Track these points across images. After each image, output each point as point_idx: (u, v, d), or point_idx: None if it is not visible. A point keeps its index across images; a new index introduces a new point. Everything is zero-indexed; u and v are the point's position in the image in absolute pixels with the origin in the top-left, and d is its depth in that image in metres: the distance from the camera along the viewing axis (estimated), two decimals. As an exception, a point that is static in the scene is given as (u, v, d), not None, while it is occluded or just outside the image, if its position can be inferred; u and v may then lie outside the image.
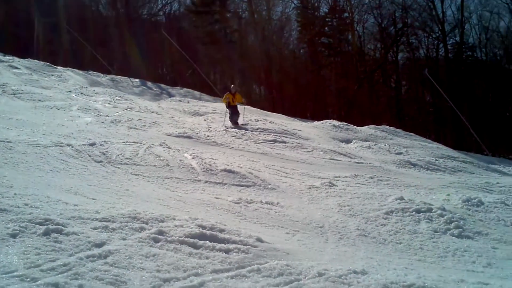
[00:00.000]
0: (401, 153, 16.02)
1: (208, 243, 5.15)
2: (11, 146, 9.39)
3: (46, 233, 4.63)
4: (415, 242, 7.10)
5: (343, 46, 46.53)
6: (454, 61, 43.29)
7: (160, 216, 5.75)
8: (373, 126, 20.80)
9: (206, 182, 9.34)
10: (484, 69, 43.57)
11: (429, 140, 22.30)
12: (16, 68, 24.70)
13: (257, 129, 16.98)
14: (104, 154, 10.16)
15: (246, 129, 16.54)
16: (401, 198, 8.98)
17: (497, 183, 12.65)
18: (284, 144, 14.94)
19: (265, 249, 5.37)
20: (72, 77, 26.93)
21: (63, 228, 4.81)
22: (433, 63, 43.94)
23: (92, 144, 10.69)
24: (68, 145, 10.38)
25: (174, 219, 5.77)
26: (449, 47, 43.69)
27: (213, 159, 11.05)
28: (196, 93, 32.03)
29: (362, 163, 13.72)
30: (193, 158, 10.77)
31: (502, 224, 8.56)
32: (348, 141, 17.50)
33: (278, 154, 13.49)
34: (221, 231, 5.64)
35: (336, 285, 4.61)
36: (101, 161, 9.69)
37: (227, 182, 9.49)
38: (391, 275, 5.23)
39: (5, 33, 38.08)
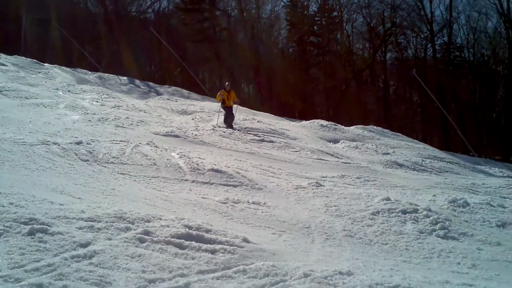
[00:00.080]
0: (388, 154, 16.10)
1: (194, 243, 5.14)
2: (-3, 144, 9.32)
3: (31, 233, 4.59)
4: (400, 243, 7.13)
5: (331, 45, 46.66)
6: (442, 61, 43.57)
7: (146, 216, 5.73)
8: (360, 126, 20.91)
9: (193, 181, 9.31)
10: (472, 69, 43.87)
11: (416, 140, 22.48)
12: (3, 64, 24.52)
13: (245, 128, 16.99)
14: (91, 152, 10.10)
15: (234, 129, 16.53)
16: (388, 199, 9.01)
17: (483, 184, 12.76)
18: (271, 143, 14.95)
19: (251, 250, 5.37)
20: (60, 74, 26.78)
21: (48, 227, 4.77)
22: (421, 63, 44.24)
23: (79, 143, 10.62)
24: (55, 143, 10.31)
25: (160, 219, 5.75)
26: (437, 47, 44.12)
27: (200, 158, 11.03)
28: (185, 91, 31.92)
29: (349, 163, 13.77)
30: (180, 157, 10.74)
31: (487, 225, 8.63)
32: (335, 141, 17.56)
33: (265, 153, 13.50)
34: (208, 231, 5.63)
35: (322, 286, 4.61)
36: (87, 160, 9.64)
37: (214, 181, 9.47)
38: (376, 276, 5.25)
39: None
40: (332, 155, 14.68)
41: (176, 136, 13.92)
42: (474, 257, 6.82)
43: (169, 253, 4.83)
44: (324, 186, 10.15)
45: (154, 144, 11.86)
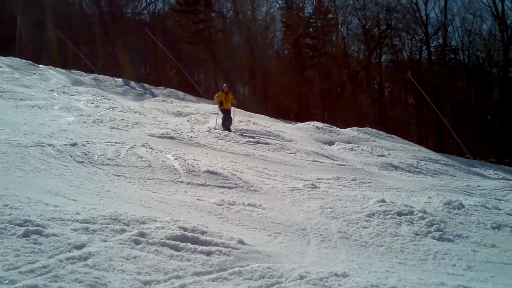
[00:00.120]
0: (383, 156, 16.12)
1: (189, 245, 5.13)
2: (-9, 146, 9.29)
3: (26, 235, 4.58)
4: (396, 244, 7.15)
5: (327, 47, 46.69)
6: (437, 64, 43.66)
7: (141, 218, 5.71)
8: (356, 128, 20.92)
9: (188, 183, 9.30)
10: (467, 72, 43.98)
11: (411, 142, 22.50)
12: (-2, 66, 24.47)
13: (240, 130, 16.98)
14: (86, 154, 10.08)
15: (230, 131, 16.52)
16: (383, 201, 9.03)
17: (478, 186, 12.82)
18: (267, 145, 14.96)
19: (247, 252, 5.37)
20: (55, 76, 26.72)
21: (43, 229, 4.75)
22: (416, 65, 44.29)
23: (74, 144, 10.59)
24: (50, 145, 10.28)
25: (156, 220, 5.74)
26: (432, 50, 44.13)
27: (195, 160, 11.02)
28: (180, 93, 31.87)
29: (345, 165, 13.79)
30: (175, 159, 10.72)
31: (482, 227, 8.66)
32: (331, 143, 17.57)
33: (261, 155, 13.50)
34: (203, 233, 5.63)
35: (317, 288, 4.63)
36: (82, 162, 9.61)
37: (210, 183, 9.47)
38: (372, 278, 5.25)
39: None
40: (327, 157, 14.70)
41: (172, 138, 13.90)
42: (469, 259, 6.84)
43: (164, 254, 4.82)
44: (319, 188, 10.15)
45: (149, 146, 11.84)
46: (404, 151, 17.81)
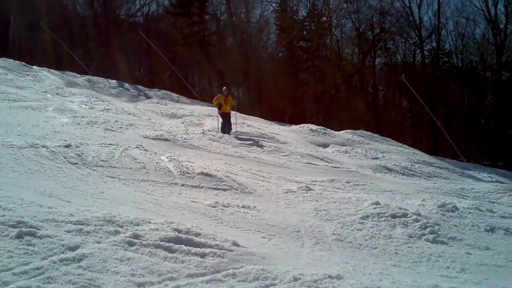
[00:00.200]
0: (377, 158, 16.15)
1: (183, 247, 5.12)
2: (-15, 147, 9.26)
3: (19, 236, 4.56)
4: (390, 247, 7.15)
5: (321, 50, 46.74)
6: (431, 67, 43.79)
7: (135, 220, 5.70)
8: (350, 130, 20.96)
9: (182, 185, 9.29)
10: (460, 75, 44.11)
11: (405, 145, 22.62)
12: (-9, 67, 24.39)
13: (235, 132, 16.97)
14: (80, 156, 10.05)
15: (225, 132, 16.49)
16: (377, 203, 9.04)
17: (472, 188, 12.86)
18: (261, 147, 14.95)
19: (241, 254, 5.36)
20: (48, 77, 26.65)
21: (36, 231, 4.73)
22: (410, 68, 44.36)
23: (68, 146, 10.56)
24: (43, 146, 10.25)
25: (150, 222, 5.73)
26: (426, 53, 44.25)
27: (190, 162, 11.00)
28: (174, 95, 31.81)
29: (339, 167, 13.80)
30: (169, 161, 10.71)
31: (476, 229, 8.68)
32: (325, 146, 17.59)
33: (255, 157, 13.50)
34: (197, 235, 5.62)
35: (311, 290, 4.62)
36: (76, 163, 9.58)
37: (204, 185, 9.46)
38: (366, 280, 5.25)
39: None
40: (322, 159, 14.71)
41: (166, 139, 13.87)
42: (463, 262, 6.85)
43: (158, 256, 4.81)
44: (314, 190, 10.15)
45: (143, 147, 11.81)
46: (398, 153, 17.85)
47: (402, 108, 48.84)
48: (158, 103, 23.94)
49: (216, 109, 17.42)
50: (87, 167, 9.44)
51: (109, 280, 4.09)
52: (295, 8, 47.80)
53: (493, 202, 11.47)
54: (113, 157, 10.34)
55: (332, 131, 20.15)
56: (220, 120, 17.07)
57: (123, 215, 5.80)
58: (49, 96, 19.90)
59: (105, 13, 44.73)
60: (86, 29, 44.92)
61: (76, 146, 10.66)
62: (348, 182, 11.56)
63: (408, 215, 8.45)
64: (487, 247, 7.62)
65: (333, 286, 4.77)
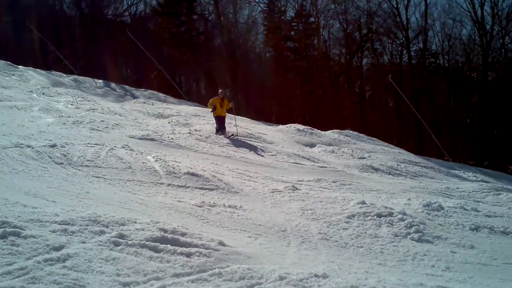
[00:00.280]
0: (364, 158, 16.20)
1: (169, 246, 5.12)
2: (-31, 147, 9.18)
3: (3, 236, 4.53)
4: (375, 246, 7.18)
5: (308, 50, 46.83)
6: (417, 68, 44.01)
7: (121, 219, 5.68)
8: (337, 130, 20.97)
9: (168, 185, 9.27)
10: (447, 75, 44.36)
11: (391, 145, 22.68)
12: (-24, 67, 24.20)
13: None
14: (65, 156, 10.00)
15: (212, 132, 16.43)
16: (363, 202, 9.07)
17: (457, 188, 12.94)
18: (248, 148, 14.94)
19: (227, 253, 5.37)
20: (34, 77, 26.47)
21: (20, 231, 4.71)
22: (397, 69, 44.51)
23: (53, 146, 10.51)
24: (28, 146, 10.19)
25: (135, 222, 5.72)
26: (413, 54, 44.41)
27: (176, 162, 10.98)
28: (161, 95, 31.69)
29: (326, 167, 13.83)
30: (156, 160, 10.68)
31: (461, 228, 8.74)
32: (312, 145, 17.60)
33: (242, 157, 13.50)
34: (183, 234, 5.61)
35: (297, 289, 4.64)
36: (61, 163, 9.54)
37: (190, 185, 9.45)
38: (351, 278, 5.27)
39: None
40: (308, 159, 14.73)
41: (152, 139, 13.83)
42: (448, 260, 6.90)
43: (144, 256, 4.80)
44: (300, 189, 10.17)
45: (129, 147, 11.77)
46: (384, 153, 17.91)
47: (388, 108, 49.00)
48: (144, 103, 23.86)
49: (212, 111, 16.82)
50: (72, 167, 9.40)
51: (94, 280, 4.08)
52: (283, 8, 47.86)
53: (478, 201, 11.56)
54: (99, 157, 10.30)
55: (319, 131, 20.16)
56: (212, 121, 16.95)
57: (108, 215, 5.78)
58: (35, 95, 19.78)
59: (92, 13, 44.53)
60: (73, 29, 44.64)
61: (61, 146, 10.60)
62: (334, 182, 11.59)
63: (394, 214, 8.50)
64: (472, 246, 7.68)
65: (319, 285, 4.78)
